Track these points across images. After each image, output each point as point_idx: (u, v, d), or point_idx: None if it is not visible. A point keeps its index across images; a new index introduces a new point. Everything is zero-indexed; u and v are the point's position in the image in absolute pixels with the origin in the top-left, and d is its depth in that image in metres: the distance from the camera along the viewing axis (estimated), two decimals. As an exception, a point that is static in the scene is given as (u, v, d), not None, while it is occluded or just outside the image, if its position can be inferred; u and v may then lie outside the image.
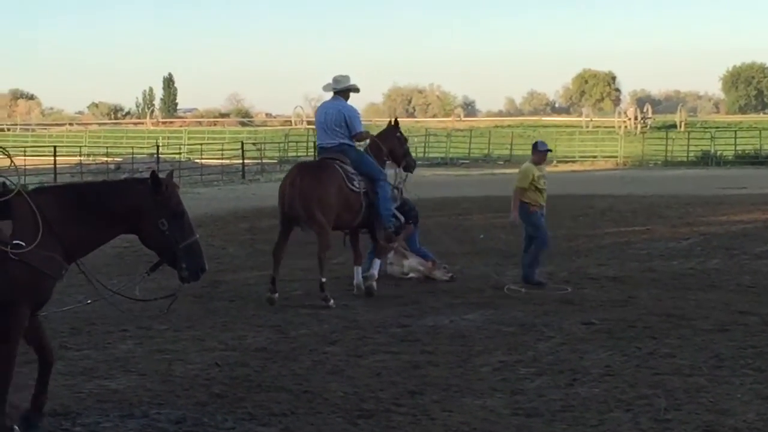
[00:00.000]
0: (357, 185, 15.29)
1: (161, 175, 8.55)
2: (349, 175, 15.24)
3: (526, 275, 16.36)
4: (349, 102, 15.72)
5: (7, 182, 8.22)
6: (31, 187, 8.45)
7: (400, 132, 16.83)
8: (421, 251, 17.50)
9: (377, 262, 15.86)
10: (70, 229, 8.17)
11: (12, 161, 8.59)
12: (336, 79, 15.66)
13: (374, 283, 15.51)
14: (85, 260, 8.59)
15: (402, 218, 15.98)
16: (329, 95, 15.78)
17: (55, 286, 8.30)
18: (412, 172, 17.17)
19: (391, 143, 16.55)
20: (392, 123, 16.93)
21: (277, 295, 14.68)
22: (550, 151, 16.98)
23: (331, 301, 14.65)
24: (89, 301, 9.68)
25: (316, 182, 14.98)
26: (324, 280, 14.74)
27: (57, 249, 8.08)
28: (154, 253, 8.74)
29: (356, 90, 15.82)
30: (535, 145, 17.17)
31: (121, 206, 8.39)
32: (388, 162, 16.70)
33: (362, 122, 15.97)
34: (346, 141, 15.44)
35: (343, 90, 15.63)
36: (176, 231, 8.40)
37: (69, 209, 8.25)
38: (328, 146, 15.53)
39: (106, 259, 17.93)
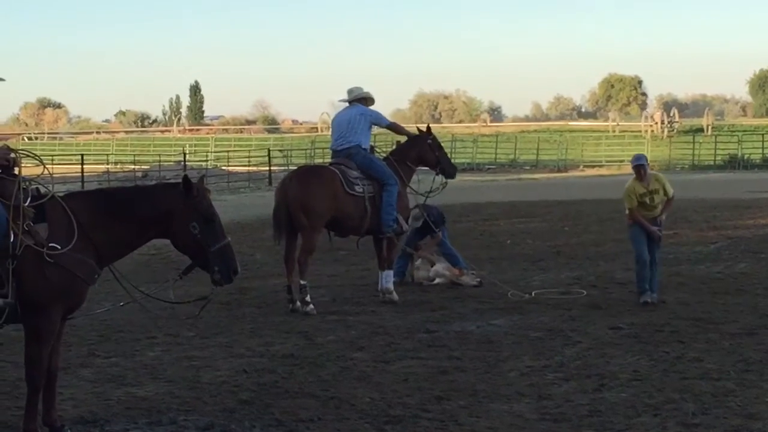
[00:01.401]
0: (360, 190, 15.29)
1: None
2: (350, 179, 15.25)
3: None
4: None
5: (41, 188, 8.33)
6: (59, 195, 8.51)
7: (432, 138, 16.74)
8: (452, 252, 17.45)
9: (389, 275, 15.76)
10: (103, 233, 8.27)
11: (45, 167, 8.69)
12: (350, 90, 15.88)
13: (393, 294, 15.50)
14: (114, 268, 8.66)
15: (405, 225, 15.91)
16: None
17: (87, 290, 8.38)
18: (452, 178, 17.00)
19: (420, 149, 16.49)
20: (425, 130, 16.86)
21: (299, 303, 14.71)
22: (642, 165, 15.18)
23: (311, 305, 14.67)
24: (122, 304, 9.74)
25: (303, 188, 15.03)
26: (303, 282, 14.77)
27: (90, 253, 8.19)
28: (183, 261, 8.78)
29: (371, 100, 15.95)
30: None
31: (153, 210, 8.47)
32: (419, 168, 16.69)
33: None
34: (355, 143, 15.49)
35: (359, 98, 15.74)
36: (208, 234, 8.45)
37: (102, 214, 8.35)
38: (338, 149, 15.64)
39: (134, 267, 17.98)
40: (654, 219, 15.20)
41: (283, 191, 15.24)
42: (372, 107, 15.91)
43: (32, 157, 8.78)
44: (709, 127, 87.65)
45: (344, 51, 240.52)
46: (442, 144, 17.15)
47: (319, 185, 15.05)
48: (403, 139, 16.83)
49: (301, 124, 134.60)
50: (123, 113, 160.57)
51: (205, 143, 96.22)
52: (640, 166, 15.18)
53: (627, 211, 15.42)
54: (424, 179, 16.93)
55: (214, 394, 10.06)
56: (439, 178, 16.87)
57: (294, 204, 14.91)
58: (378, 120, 15.79)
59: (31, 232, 7.99)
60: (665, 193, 15.19)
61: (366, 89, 15.94)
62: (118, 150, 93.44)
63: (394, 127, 16.34)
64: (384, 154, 16.53)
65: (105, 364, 11.44)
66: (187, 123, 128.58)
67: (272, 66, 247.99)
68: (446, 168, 16.81)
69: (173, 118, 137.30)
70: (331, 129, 16.40)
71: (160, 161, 65.87)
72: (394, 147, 16.92)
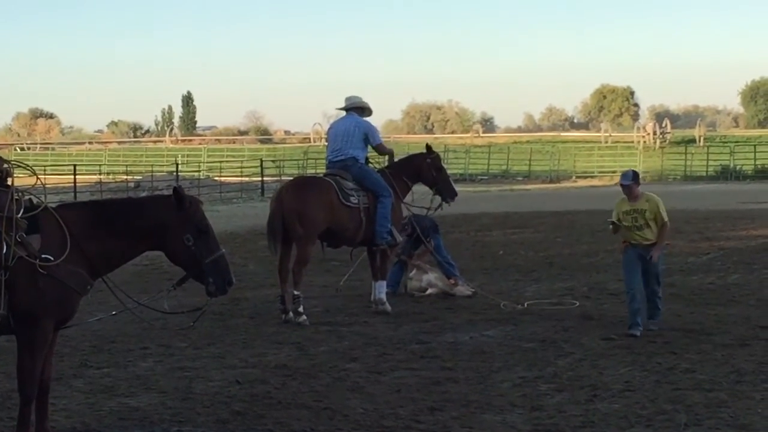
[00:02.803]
0: (355, 201, 15.31)
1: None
2: (346, 190, 15.27)
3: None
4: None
5: (34, 199, 8.34)
6: (52, 206, 8.51)
7: (432, 157, 16.70)
8: (447, 260, 17.45)
9: (381, 285, 15.77)
10: (95, 245, 8.28)
11: (38, 178, 8.70)
12: (348, 99, 15.87)
13: (386, 305, 15.52)
14: (107, 278, 8.66)
15: (399, 237, 15.91)
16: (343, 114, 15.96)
17: (80, 301, 8.38)
18: (447, 203, 17.01)
19: (417, 167, 16.50)
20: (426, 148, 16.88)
21: (291, 314, 14.70)
22: (627, 185, 13.88)
23: (303, 316, 14.66)
24: (114, 313, 9.75)
25: (298, 198, 15.07)
26: (297, 293, 14.78)
27: (83, 264, 8.20)
28: (176, 272, 8.79)
29: (369, 110, 16.00)
30: None
31: (145, 223, 8.47)
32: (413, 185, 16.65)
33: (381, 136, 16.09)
34: (351, 155, 15.49)
35: (356, 107, 15.74)
36: (202, 246, 8.45)
37: (95, 225, 8.36)
38: (335, 160, 15.65)
39: (127, 277, 17.92)
40: (646, 246, 13.87)
41: (278, 201, 15.25)
42: (368, 118, 15.92)
43: (24, 168, 8.80)
44: (702, 138, 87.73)
45: (337, 62, 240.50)
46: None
47: (315, 196, 15.06)
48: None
49: (293, 134, 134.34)
50: (115, 123, 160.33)
51: (198, 154, 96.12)
52: (623, 186, 13.94)
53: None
54: (419, 192, 16.95)
55: (207, 404, 10.06)
56: (438, 198, 16.89)
57: (289, 214, 14.93)
58: (370, 135, 15.70)
59: (23, 243, 8.00)
60: (656, 217, 13.85)
61: (356, 96, 15.93)
62: (110, 160, 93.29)
63: (380, 149, 16.19)
64: (379, 166, 16.51)
65: (98, 374, 11.44)
66: (180, 133, 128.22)
67: (265, 76, 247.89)
68: (443, 190, 16.78)
69: (166, 128, 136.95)
70: (327, 139, 16.38)
71: (152, 171, 65.80)
72: (385, 159, 16.85)
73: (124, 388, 10.77)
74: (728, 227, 29.32)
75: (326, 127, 16.51)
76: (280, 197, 15.31)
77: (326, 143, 16.53)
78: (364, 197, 15.37)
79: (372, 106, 16.07)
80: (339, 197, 15.15)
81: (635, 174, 14.23)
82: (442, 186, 16.76)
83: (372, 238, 15.49)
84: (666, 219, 13.93)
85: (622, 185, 13.97)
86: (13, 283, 7.95)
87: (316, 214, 14.97)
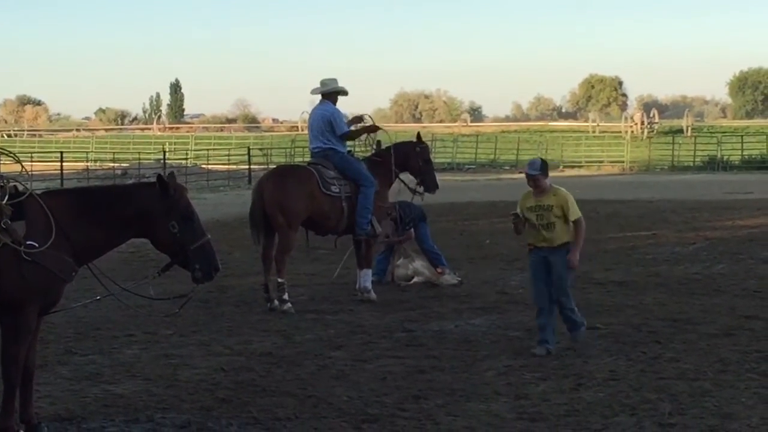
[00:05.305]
0: (336, 190, 15.27)
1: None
2: (327, 179, 15.23)
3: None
4: (338, 105, 15.72)
5: (19, 186, 8.32)
6: (37, 193, 8.49)
7: (421, 147, 16.74)
8: (433, 250, 17.42)
9: (367, 274, 15.76)
10: (81, 232, 8.27)
11: (22, 165, 8.68)
12: (323, 83, 15.74)
13: (372, 293, 15.52)
14: (92, 264, 8.64)
15: (379, 228, 15.86)
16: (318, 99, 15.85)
17: (64, 287, 8.37)
18: (430, 193, 17.01)
19: (406, 154, 16.47)
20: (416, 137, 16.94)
21: (276, 301, 14.69)
22: (533, 175, 11.83)
23: (289, 304, 14.69)
24: (98, 297, 9.73)
25: (279, 187, 15.07)
26: (281, 280, 14.79)
27: (68, 251, 8.19)
28: (162, 259, 8.79)
29: (344, 92, 15.83)
30: None
31: (131, 210, 8.46)
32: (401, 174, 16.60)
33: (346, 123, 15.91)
34: (330, 145, 15.44)
35: (330, 93, 15.64)
36: (187, 233, 8.45)
37: (80, 212, 8.35)
38: (315, 151, 15.62)
39: (112, 264, 17.90)
40: (552, 248, 11.92)
41: (259, 191, 15.26)
42: (342, 99, 15.77)
43: (8, 155, 8.78)
44: (689, 128, 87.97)
45: (325, 50, 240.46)
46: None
47: (295, 185, 15.05)
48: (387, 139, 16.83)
49: (281, 122, 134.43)
50: (103, 111, 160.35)
51: (185, 141, 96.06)
52: (529, 176, 11.95)
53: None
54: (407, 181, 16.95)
55: (192, 392, 10.06)
56: (419, 188, 16.84)
57: (270, 203, 14.92)
58: (337, 125, 15.50)
59: (8, 229, 7.98)
60: (565, 214, 11.90)
61: (340, 83, 15.81)
62: (97, 147, 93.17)
63: (345, 139, 15.87)
64: (364, 155, 16.46)
65: (82, 361, 11.43)
66: (167, 121, 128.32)
67: (253, 65, 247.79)
68: (427, 181, 16.74)
69: (153, 116, 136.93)
70: (308, 127, 16.29)
71: (139, 159, 65.73)
72: (373, 147, 16.81)
73: (109, 375, 10.77)
74: (714, 217, 29.38)
75: (310, 111, 16.20)
76: (261, 187, 15.31)
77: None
78: (347, 186, 15.33)
79: (360, 94, 16.12)
80: (320, 186, 15.11)
81: (543, 163, 12.11)
82: (427, 177, 16.73)
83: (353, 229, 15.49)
84: (579, 215, 11.93)
85: (527, 174, 11.98)
86: (-3, 269, 7.94)
87: (296, 203, 14.95)
